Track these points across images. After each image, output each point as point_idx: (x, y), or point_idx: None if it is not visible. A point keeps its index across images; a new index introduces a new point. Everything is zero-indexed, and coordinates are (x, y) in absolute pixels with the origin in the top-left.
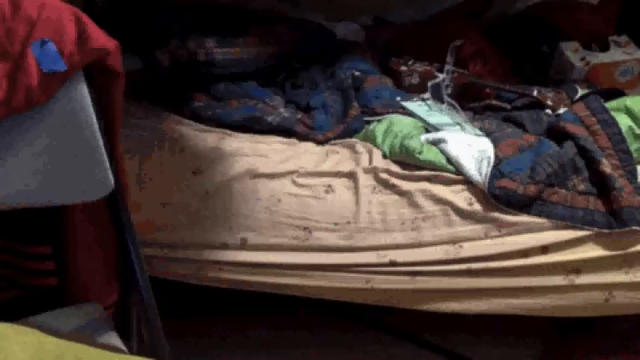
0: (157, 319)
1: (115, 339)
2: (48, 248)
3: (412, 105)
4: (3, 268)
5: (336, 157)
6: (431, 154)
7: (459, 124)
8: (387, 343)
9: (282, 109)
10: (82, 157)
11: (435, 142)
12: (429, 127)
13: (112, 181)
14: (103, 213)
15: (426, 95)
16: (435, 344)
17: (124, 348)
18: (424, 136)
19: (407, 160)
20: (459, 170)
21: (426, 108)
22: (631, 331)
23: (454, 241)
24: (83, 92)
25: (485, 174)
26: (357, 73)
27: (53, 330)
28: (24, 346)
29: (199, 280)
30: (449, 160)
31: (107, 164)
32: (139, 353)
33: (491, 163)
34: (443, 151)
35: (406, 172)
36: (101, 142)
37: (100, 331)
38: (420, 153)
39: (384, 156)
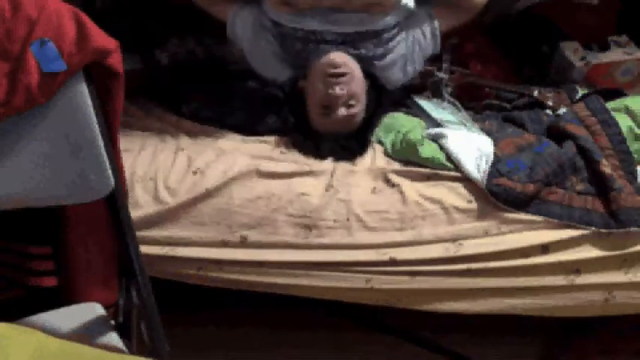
0: (157, 319)
1: (115, 339)
2: (48, 248)
3: (421, 99)
4: (3, 268)
5: None
6: (431, 151)
7: (463, 123)
8: (387, 343)
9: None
10: (81, 157)
11: (436, 138)
12: (433, 124)
13: (112, 181)
14: (103, 213)
15: (427, 94)
16: (435, 344)
17: (124, 348)
18: (426, 131)
19: (408, 156)
20: (457, 167)
21: (432, 104)
22: (631, 331)
23: (454, 238)
24: (83, 92)
25: (484, 171)
26: None
27: (53, 330)
28: (24, 346)
29: (199, 280)
30: (448, 157)
31: (107, 164)
32: (139, 353)
33: (490, 162)
34: (443, 147)
35: (406, 170)
36: (101, 142)
37: (100, 331)
38: (421, 145)
39: (386, 153)
